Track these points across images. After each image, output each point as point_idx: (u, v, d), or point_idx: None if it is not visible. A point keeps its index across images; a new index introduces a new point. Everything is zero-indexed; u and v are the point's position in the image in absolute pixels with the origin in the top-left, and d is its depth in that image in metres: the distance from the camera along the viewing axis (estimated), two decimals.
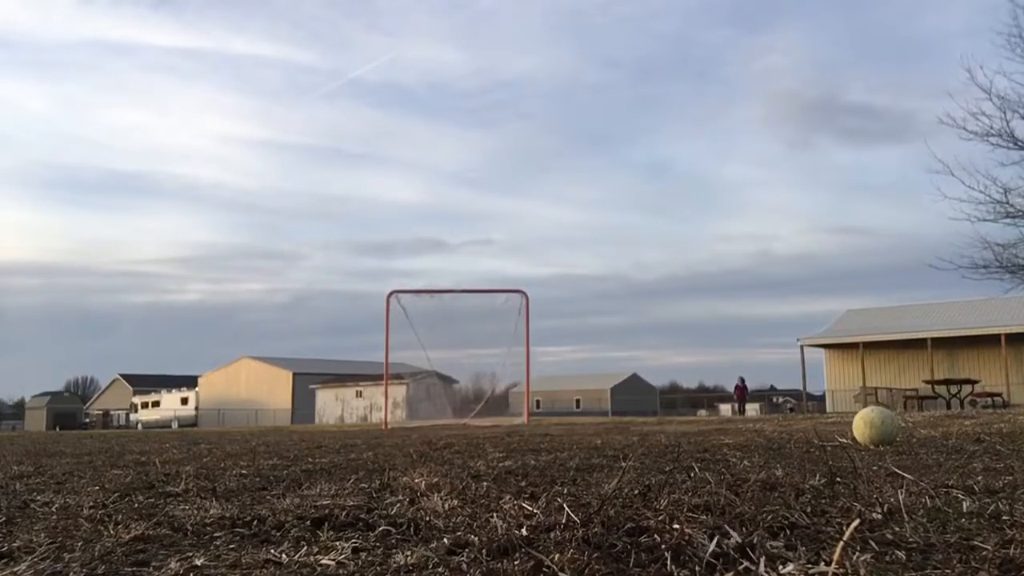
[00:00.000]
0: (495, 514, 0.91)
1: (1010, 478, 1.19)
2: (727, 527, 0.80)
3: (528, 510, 0.94)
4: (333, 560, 0.72)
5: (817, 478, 1.18)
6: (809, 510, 0.88)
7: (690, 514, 0.87)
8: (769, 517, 0.82)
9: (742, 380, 29.88)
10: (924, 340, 27.45)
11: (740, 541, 0.71)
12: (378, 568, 0.69)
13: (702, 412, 39.55)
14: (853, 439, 2.03)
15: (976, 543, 0.71)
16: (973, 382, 18.22)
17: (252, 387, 53.86)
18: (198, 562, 0.73)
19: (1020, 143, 17.36)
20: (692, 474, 1.30)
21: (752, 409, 37.17)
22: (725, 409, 29.95)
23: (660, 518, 0.83)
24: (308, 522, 0.92)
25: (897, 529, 0.77)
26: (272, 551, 0.77)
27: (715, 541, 0.69)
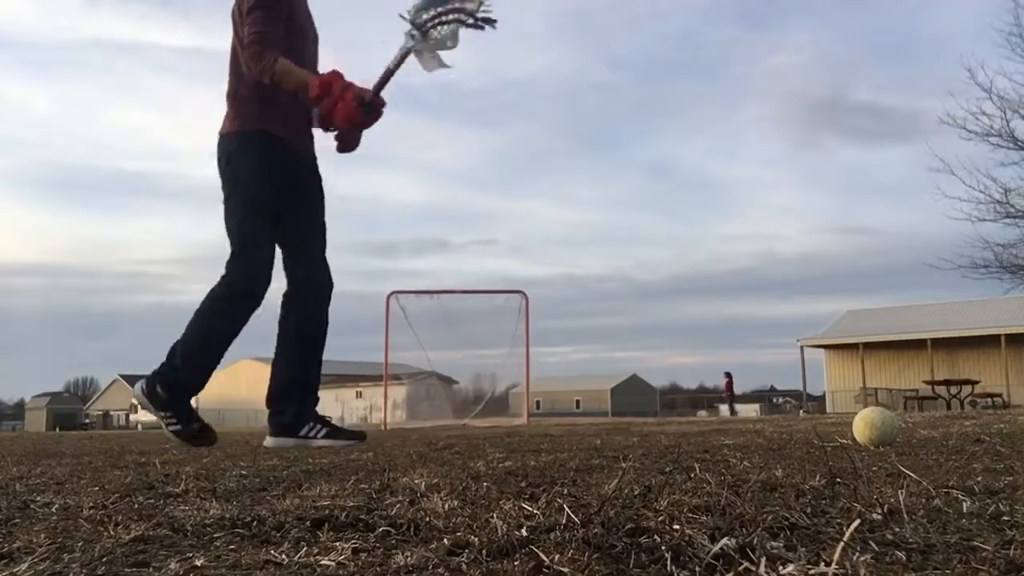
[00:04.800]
0: (495, 515, 0.91)
1: (1010, 479, 1.19)
2: (727, 528, 0.80)
3: (528, 511, 0.94)
4: (333, 561, 0.72)
5: (817, 479, 1.18)
6: (809, 511, 0.88)
7: (690, 515, 0.87)
8: (769, 518, 0.82)
9: (729, 376, 29.90)
10: (924, 340, 27.47)
11: (740, 542, 0.71)
12: (378, 568, 0.69)
13: (702, 413, 39.61)
14: (853, 440, 2.02)
15: (976, 544, 0.71)
16: (973, 383, 18.23)
17: (252, 387, 53.85)
18: (198, 563, 0.73)
19: (1020, 143, 17.37)
20: (692, 475, 1.29)
21: (752, 409, 37.16)
22: (725, 410, 30.02)
23: (660, 519, 0.83)
24: (308, 523, 0.92)
25: (897, 530, 0.77)
26: (272, 552, 0.77)
27: (719, 544, 0.69)
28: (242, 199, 3.32)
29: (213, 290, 3.32)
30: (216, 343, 3.32)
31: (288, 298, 3.48)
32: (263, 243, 3.37)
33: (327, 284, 3.58)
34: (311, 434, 3.26)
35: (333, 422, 3.39)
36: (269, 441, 3.30)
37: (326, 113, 3.16)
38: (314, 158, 3.60)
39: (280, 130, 3.35)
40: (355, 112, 3.09)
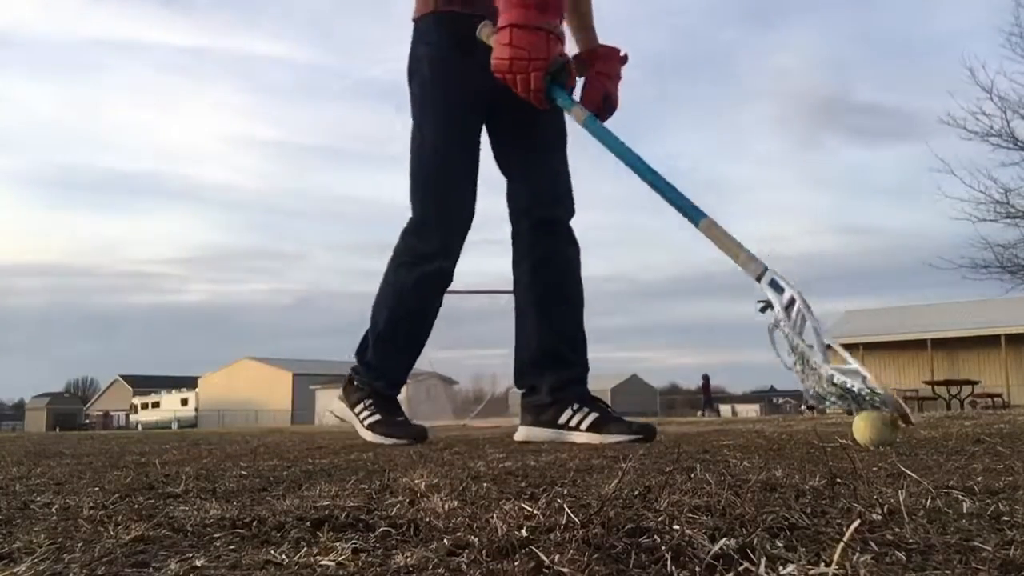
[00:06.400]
0: (495, 515, 0.91)
1: (1010, 479, 1.19)
2: (727, 528, 0.80)
3: (528, 511, 0.94)
4: (333, 561, 0.72)
5: (817, 479, 1.18)
6: (809, 511, 0.88)
7: (690, 515, 0.87)
8: (769, 518, 0.82)
9: (706, 378, 30.23)
10: (924, 341, 27.47)
11: (740, 542, 0.71)
12: (378, 569, 0.69)
13: (701, 413, 39.53)
14: (852, 440, 2.03)
15: (976, 544, 0.71)
16: (973, 383, 18.23)
17: (252, 388, 53.91)
18: (198, 563, 0.73)
19: (1020, 144, 17.38)
20: (692, 475, 1.29)
21: (752, 409, 37.15)
22: (725, 410, 30.10)
23: (660, 519, 0.83)
24: (308, 523, 0.92)
25: (897, 530, 0.77)
26: (272, 552, 0.77)
27: (719, 544, 0.69)
28: (430, 101, 2.60)
29: (396, 245, 2.73)
30: (408, 305, 2.70)
31: (517, 239, 2.76)
32: (456, 159, 2.61)
33: (566, 206, 2.73)
34: (572, 422, 2.53)
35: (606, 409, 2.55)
36: (521, 432, 2.67)
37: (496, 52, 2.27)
38: None
39: (481, 10, 2.50)
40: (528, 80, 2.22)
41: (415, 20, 2.68)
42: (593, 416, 2.52)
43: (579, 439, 2.49)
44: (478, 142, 2.72)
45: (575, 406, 2.58)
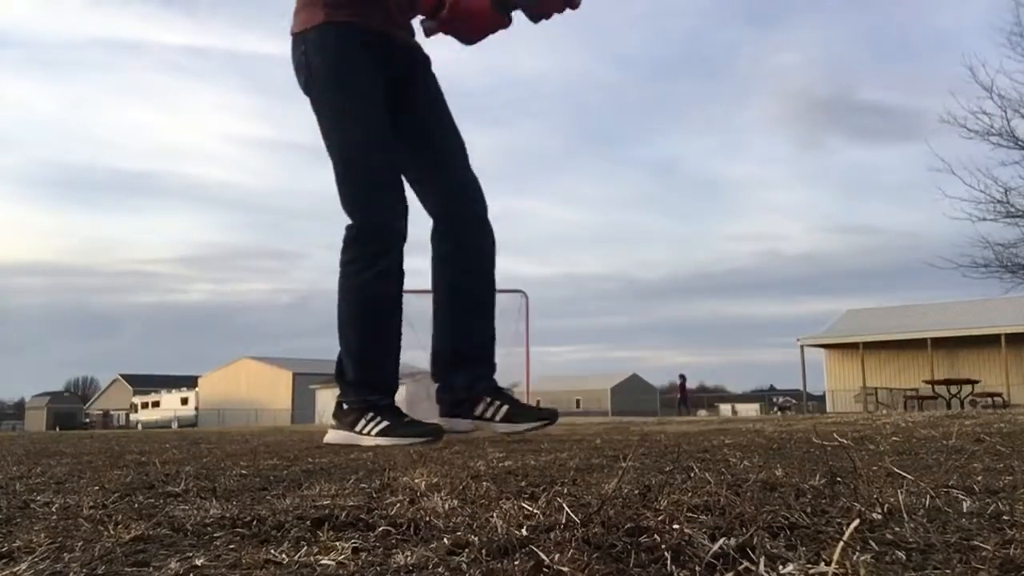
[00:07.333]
0: (495, 514, 0.91)
1: (1010, 478, 1.19)
2: (727, 527, 0.80)
3: (528, 510, 0.94)
4: (333, 560, 0.72)
5: (817, 478, 1.18)
6: (809, 510, 0.88)
7: (690, 514, 0.87)
8: (769, 517, 0.82)
9: (683, 378, 30.71)
10: (924, 340, 27.47)
11: (740, 541, 0.70)
12: (378, 568, 0.69)
13: (702, 412, 39.62)
14: None
15: (976, 543, 0.71)
16: (973, 382, 18.22)
17: (252, 387, 53.89)
18: (198, 562, 0.73)
19: (1021, 143, 17.37)
20: (692, 474, 1.29)
21: (752, 409, 37.18)
22: (725, 409, 30.21)
23: (660, 518, 0.83)
24: (308, 522, 0.92)
25: (897, 529, 0.77)
26: (272, 551, 0.77)
27: (719, 543, 0.69)
28: (339, 106, 2.63)
29: (341, 259, 2.71)
30: (371, 310, 2.69)
31: (435, 237, 2.85)
32: (380, 156, 2.64)
33: (477, 206, 2.86)
34: (487, 414, 2.78)
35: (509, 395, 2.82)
36: (442, 423, 2.81)
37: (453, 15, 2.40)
38: (419, 50, 2.83)
39: (370, 18, 2.64)
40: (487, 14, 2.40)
41: (301, 32, 2.69)
42: (505, 408, 2.81)
43: (499, 429, 2.80)
44: (395, 138, 2.74)
45: (487, 400, 2.86)
